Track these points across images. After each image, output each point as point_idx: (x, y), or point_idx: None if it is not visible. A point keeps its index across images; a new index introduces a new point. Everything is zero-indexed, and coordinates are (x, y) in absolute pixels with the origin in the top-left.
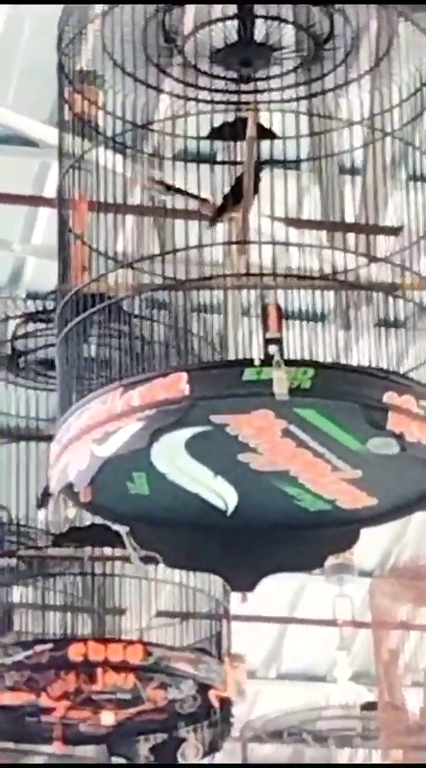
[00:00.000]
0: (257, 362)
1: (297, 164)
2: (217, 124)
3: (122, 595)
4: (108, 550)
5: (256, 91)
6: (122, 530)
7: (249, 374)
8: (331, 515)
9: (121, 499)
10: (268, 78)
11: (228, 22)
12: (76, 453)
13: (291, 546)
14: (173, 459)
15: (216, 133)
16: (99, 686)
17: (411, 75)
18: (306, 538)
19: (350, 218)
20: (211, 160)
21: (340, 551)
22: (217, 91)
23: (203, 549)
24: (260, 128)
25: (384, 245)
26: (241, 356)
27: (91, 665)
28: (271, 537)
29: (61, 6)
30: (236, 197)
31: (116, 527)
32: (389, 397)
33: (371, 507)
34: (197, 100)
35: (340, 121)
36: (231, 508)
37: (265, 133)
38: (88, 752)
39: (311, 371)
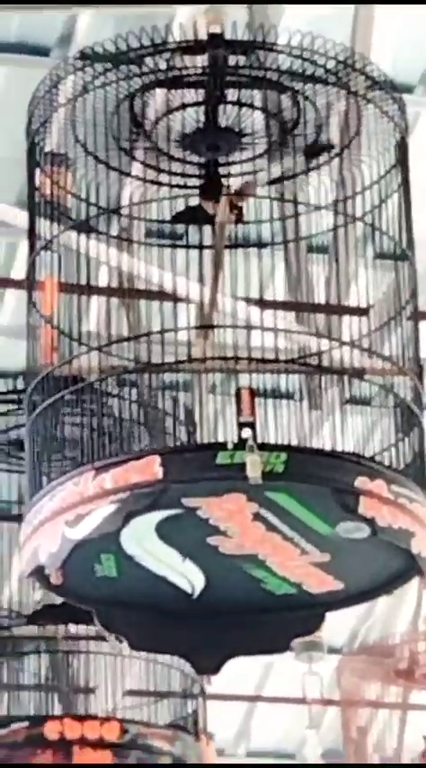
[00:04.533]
0: (230, 446)
1: (264, 246)
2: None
3: (97, 674)
4: (82, 628)
5: (222, 175)
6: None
7: (222, 458)
8: (296, 599)
9: (88, 581)
10: (231, 164)
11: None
12: (48, 535)
13: (256, 629)
14: (142, 541)
15: (180, 217)
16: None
17: (377, 158)
18: (272, 621)
19: (318, 298)
20: (178, 242)
21: (305, 635)
22: (184, 175)
23: (168, 632)
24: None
25: (352, 325)
26: (209, 435)
27: (67, 743)
28: (237, 620)
29: (30, 90)
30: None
31: None
32: (361, 482)
33: (337, 591)
34: (163, 184)
35: (307, 206)
36: (198, 591)
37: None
38: None
39: (284, 455)
